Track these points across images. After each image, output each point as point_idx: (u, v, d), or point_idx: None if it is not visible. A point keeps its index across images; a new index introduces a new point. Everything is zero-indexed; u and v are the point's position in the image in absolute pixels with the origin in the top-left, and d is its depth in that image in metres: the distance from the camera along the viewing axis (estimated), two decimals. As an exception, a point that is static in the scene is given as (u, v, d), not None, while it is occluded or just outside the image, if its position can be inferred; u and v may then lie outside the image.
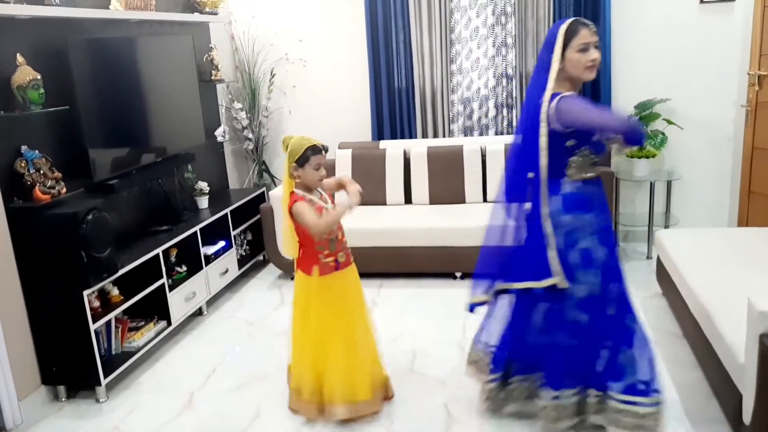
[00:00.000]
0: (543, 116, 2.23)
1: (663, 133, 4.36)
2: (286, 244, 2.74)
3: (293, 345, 2.77)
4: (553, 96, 2.23)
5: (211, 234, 4.11)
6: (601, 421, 2.41)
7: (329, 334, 2.64)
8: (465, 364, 2.77)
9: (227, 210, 4.26)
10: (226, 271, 4.19)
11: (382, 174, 4.60)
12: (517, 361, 2.56)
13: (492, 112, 4.78)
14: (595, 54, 2.23)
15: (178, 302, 3.63)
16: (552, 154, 2.26)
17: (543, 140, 2.25)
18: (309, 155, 2.52)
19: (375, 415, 2.71)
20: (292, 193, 2.58)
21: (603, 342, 2.35)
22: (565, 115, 2.19)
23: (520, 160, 2.40)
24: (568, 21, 2.25)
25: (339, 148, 4.75)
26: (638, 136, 2.17)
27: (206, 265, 3.94)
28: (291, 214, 2.56)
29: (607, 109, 2.26)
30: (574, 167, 2.30)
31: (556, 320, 2.37)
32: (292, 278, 4.36)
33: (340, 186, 2.72)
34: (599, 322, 2.33)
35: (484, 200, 4.51)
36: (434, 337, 3.43)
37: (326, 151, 2.60)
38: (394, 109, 4.85)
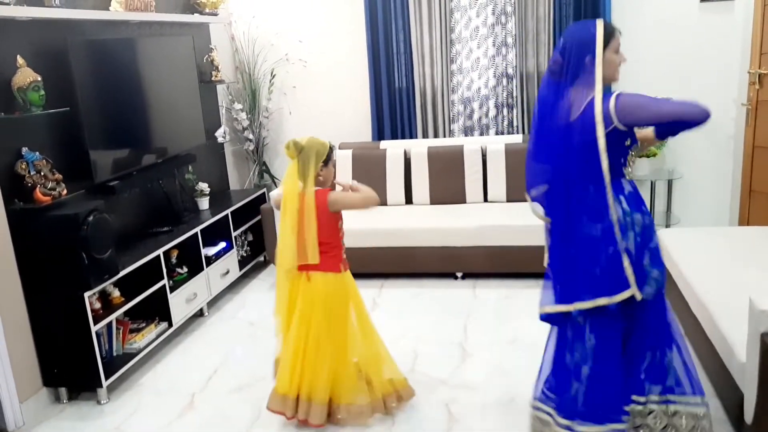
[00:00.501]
0: (599, 118, 2.12)
1: (664, 132, 4.36)
2: (310, 249, 2.52)
3: (309, 347, 2.62)
4: (607, 96, 2.14)
5: (212, 235, 4.11)
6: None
7: (348, 330, 2.68)
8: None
9: (228, 211, 4.26)
10: (227, 272, 4.19)
11: (382, 174, 4.60)
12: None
13: (492, 112, 4.78)
14: (624, 55, 2.24)
15: (179, 303, 3.63)
16: (612, 155, 2.17)
17: (602, 143, 2.13)
18: (331, 154, 2.62)
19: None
20: (317, 191, 2.55)
21: (654, 345, 2.27)
22: (631, 114, 2.11)
23: (559, 169, 2.27)
24: (601, 22, 2.20)
25: (340, 148, 4.75)
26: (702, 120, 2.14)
27: (207, 266, 3.94)
28: (326, 207, 2.54)
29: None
30: (631, 166, 2.27)
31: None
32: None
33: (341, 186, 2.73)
34: (654, 323, 2.26)
35: (485, 200, 4.51)
36: (435, 338, 3.43)
37: None
38: (395, 109, 4.85)
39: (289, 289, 2.65)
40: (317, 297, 2.60)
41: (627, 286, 2.17)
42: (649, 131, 2.33)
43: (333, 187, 2.67)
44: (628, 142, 2.21)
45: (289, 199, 2.54)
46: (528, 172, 2.39)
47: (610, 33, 2.19)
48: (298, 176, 2.54)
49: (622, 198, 2.23)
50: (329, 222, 2.59)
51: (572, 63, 2.20)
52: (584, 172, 2.20)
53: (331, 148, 2.62)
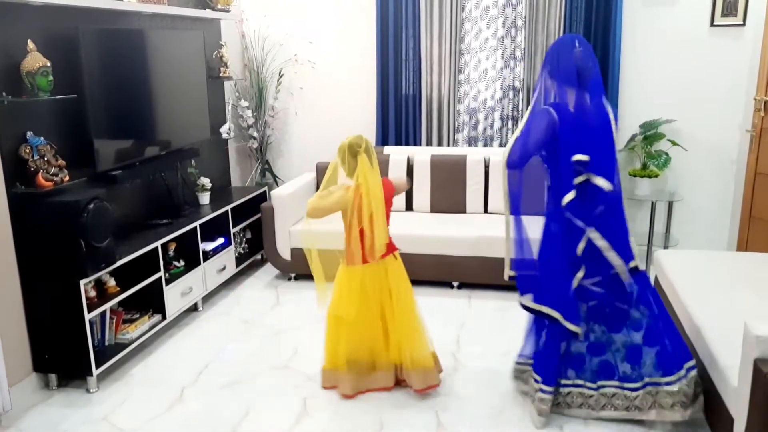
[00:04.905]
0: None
1: (667, 154, 4.37)
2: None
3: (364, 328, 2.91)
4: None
5: (211, 230, 4.11)
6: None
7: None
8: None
9: (228, 207, 4.26)
10: (224, 268, 4.19)
11: (384, 179, 4.60)
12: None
13: (497, 124, 4.79)
14: None
15: (174, 297, 3.62)
16: None
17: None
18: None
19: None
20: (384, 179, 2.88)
21: None
22: None
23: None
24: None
25: (343, 151, 4.76)
26: None
27: (204, 261, 3.94)
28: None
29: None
30: None
31: None
32: (293, 278, 4.35)
33: None
34: None
35: (485, 211, 4.52)
36: (428, 345, 3.42)
37: None
38: (400, 116, 4.86)
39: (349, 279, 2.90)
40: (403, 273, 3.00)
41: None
42: None
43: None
44: None
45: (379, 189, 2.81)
46: None
47: None
48: (370, 169, 2.78)
49: None
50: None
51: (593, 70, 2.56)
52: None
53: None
